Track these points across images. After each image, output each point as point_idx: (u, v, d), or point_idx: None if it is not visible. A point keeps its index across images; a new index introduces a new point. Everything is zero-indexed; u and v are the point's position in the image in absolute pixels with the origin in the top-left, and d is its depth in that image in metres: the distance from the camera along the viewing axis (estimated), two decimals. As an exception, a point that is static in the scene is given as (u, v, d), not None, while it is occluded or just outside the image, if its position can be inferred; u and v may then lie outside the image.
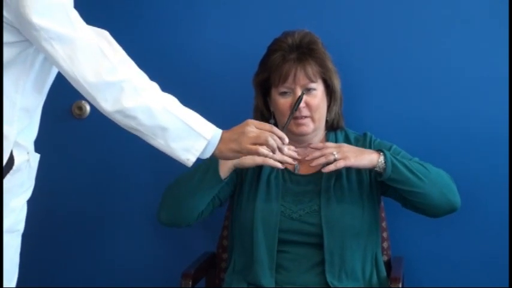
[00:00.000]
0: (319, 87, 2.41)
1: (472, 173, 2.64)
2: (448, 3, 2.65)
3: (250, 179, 2.45)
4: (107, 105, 1.80)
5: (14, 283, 1.94)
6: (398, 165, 2.32)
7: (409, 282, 2.63)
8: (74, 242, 2.90)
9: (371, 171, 2.40)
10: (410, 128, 2.68)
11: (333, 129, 2.50)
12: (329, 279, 2.35)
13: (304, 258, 2.38)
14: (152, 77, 1.88)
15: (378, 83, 2.70)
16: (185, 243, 2.82)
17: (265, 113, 2.47)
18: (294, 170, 2.45)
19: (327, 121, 2.47)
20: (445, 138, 2.67)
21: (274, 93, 2.42)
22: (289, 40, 2.43)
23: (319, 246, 2.37)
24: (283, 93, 2.40)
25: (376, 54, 2.69)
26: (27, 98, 1.85)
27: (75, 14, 1.79)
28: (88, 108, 2.81)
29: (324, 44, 2.46)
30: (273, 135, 1.92)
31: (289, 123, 2.30)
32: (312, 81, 2.39)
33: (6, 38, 1.78)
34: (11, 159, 1.83)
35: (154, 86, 1.87)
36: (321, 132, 2.48)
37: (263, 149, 1.91)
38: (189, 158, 1.87)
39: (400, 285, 2.35)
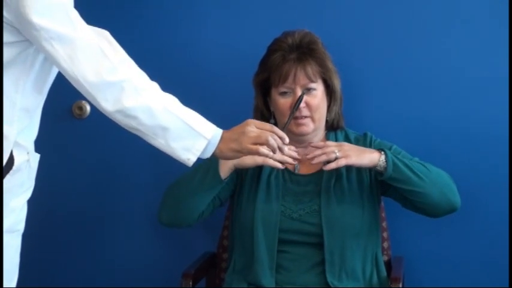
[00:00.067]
0: (319, 87, 2.41)
1: (472, 173, 2.64)
2: (448, 3, 2.65)
3: (250, 179, 2.45)
4: (108, 105, 1.80)
5: (14, 283, 1.94)
6: (399, 164, 2.32)
7: (409, 282, 2.63)
8: (74, 242, 2.90)
9: (371, 170, 2.40)
10: (410, 128, 2.68)
11: (333, 129, 2.50)
12: (329, 279, 2.35)
13: (305, 258, 2.38)
14: (152, 77, 1.88)
15: (378, 83, 2.70)
16: (185, 243, 2.82)
17: (265, 113, 2.47)
18: (294, 170, 2.45)
19: (327, 121, 2.47)
20: (445, 138, 2.67)
21: (274, 93, 2.42)
22: (289, 40, 2.43)
23: (320, 246, 2.37)
24: (283, 93, 2.40)
25: (376, 54, 2.69)
26: (27, 98, 1.85)
27: (76, 14, 1.79)
28: (88, 108, 2.81)
29: (324, 44, 2.46)
30: (274, 135, 1.92)
31: (289, 123, 2.30)
32: (312, 81, 2.39)
33: (6, 38, 1.78)
34: (11, 159, 1.83)
35: (155, 86, 1.86)
36: (321, 132, 2.48)
37: (263, 149, 1.90)
38: (189, 157, 1.87)
39: (400, 285, 2.35)
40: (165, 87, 1.89)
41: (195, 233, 2.78)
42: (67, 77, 1.80)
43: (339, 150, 2.33)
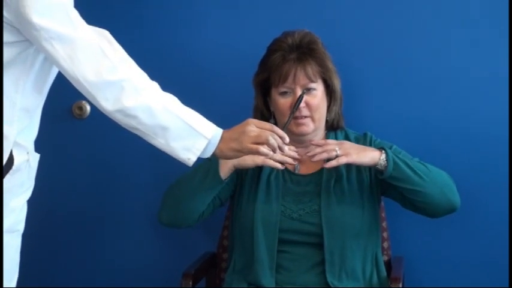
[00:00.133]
0: (319, 87, 2.41)
1: (472, 173, 2.64)
2: (448, 3, 2.65)
3: (250, 179, 2.45)
4: (108, 104, 1.80)
5: (14, 283, 1.94)
6: (400, 163, 2.32)
7: (409, 282, 2.63)
8: (74, 242, 2.90)
9: (371, 170, 2.40)
10: (410, 128, 2.68)
11: (333, 129, 2.50)
12: (329, 279, 2.35)
13: (305, 258, 2.38)
14: (152, 77, 1.88)
15: (378, 83, 2.70)
16: (185, 243, 2.82)
17: (265, 113, 2.47)
18: (294, 170, 2.45)
19: (327, 121, 2.47)
20: (445, 138, 2.67)
21: (274, 93, 2.42)
22: (289, 40, 2.43)
23: (320, 246, 2.37)
24: (283, 93, 2.40)
25: (376, 54, 2.69)
26: (27, 98, 1.85)
27: (76, 14, 1.79)
28: (88, 108, 2.81)
29: (324, 44, 2.46)
30: (274, 134, 1.91)
31: (289, 123, 2.30)
32: (312, 81, 2.39)
33: (6, 38, 1.78)
34: (11, 159, 1.82)
35: (155, 86, 1.86)
36: (321, 132, 2.48)
37: (264, 148, 1.90)
38: (189, 157, 1.86)
39: (401, 285, 2.35)
40: (165, 87, 1.89)
41: (195, 233, 2.77)
42: (67, 76, 1.80)
43: (339, 148, 2.33)
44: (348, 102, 2.53)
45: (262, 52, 2.47)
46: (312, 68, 2.39)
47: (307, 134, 2.42)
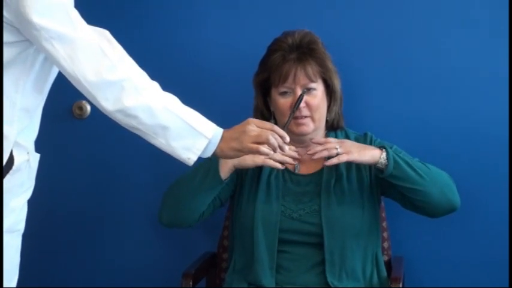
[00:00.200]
0: (319, 87, 2.41)
1: (472, 173, 2.64)
2: (448, 3, 2.65)
3: (250, 179, 2.45)
4: (108, 104, 1.80)
5: (14, 283, 1.94)
6: (400, 162, 2.32)
7: (410, 282, 2.63)
8: (74, 242, 2.90)
9: (371, 169, 2.40)
10: (411, 128, 2.68)
11: (333, 129, 2.50)
12: (329, 279, 2.35)
13: (305, 258, 2.38)
14: (152, 77, 1.88)
15: (378, 83, 2.70)
16: (186, 243, 2.82)
17: (266, 113, 2.47)
18: (294, 170, 2.45)
19: (327, 121, 2.47)
20: (445, 138, 2.67)
21: (274, 93, 2.42)
22: (289, 40, 2.43)
23: (320, 246, 2.37)
24: (283, 93, 2.40)
25: (376, 54, 2.69)
26: (27, 98, 1.85)
27: (76, 14, 1.79)
28: (89, 108, 2.81)
29: (324, 44, 2.46)
30: (274, 133, 1.91)
31: (289, 123, 2.30)
32: (312, 81, 2.39)
33: (6, 38, 1.78)
34: (11, 159, 1.82)
35: (155, 85, 1.86)
36: (321, 132, 2.48)
37: (264, 148, 1.90)
38: (190, 157, 1.86)
39: (401, 285, 2.35)
40: (165, 87, 1.89)
41: (195, 233, 2.77)
42: (67, 76, 1.80)
43: (340, 146, 2.33)
44: (348, 102, 2.53)
45: (262, 52, 2.47)
46: (312, 68, 2.39)
47: (307, 134, 2.42)
